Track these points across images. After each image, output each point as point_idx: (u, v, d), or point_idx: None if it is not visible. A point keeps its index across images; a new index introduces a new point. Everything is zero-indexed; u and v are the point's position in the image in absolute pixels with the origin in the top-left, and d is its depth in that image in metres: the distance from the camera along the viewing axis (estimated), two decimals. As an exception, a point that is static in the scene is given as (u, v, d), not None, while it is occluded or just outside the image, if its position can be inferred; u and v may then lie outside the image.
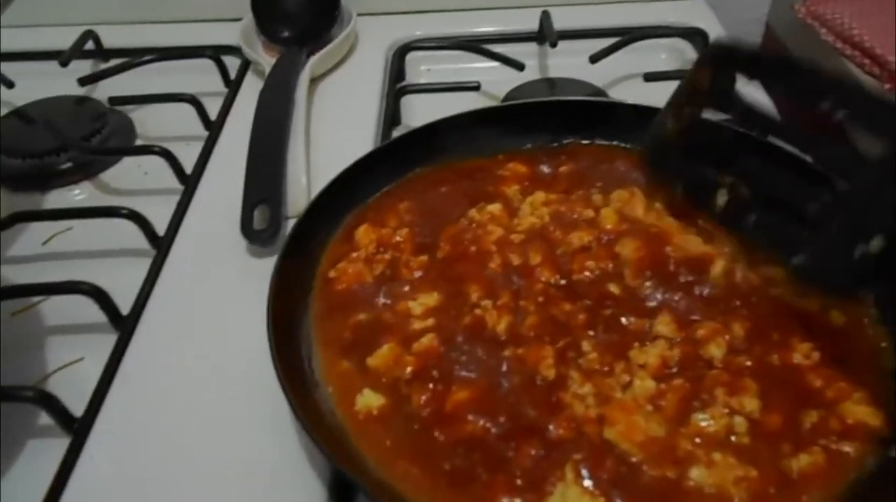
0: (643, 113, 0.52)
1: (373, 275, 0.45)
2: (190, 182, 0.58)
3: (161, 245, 0.52)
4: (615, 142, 0.55)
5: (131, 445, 0.40)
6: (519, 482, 0.34)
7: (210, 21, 0.80)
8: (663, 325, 0.40)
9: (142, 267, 0.51)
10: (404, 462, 0.36)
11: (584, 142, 0.56)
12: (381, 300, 0.44)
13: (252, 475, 0.39)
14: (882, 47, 0.65)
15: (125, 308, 0.48)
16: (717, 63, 0.44)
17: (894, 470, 0.33)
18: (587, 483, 0.34)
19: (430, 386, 0.38)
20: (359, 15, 0.75)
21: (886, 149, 0.34)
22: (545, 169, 0.53)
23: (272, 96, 0.59)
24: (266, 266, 0.50)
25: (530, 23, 0.75)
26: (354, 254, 0.47)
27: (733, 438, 0.35)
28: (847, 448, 0.35)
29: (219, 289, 0.49)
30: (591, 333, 0.40)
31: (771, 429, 0.36)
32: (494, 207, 0.49)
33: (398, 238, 0.47)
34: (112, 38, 0.77)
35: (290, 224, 0.53)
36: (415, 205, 0.50)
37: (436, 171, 0.53)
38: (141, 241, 0.53)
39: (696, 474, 0.34)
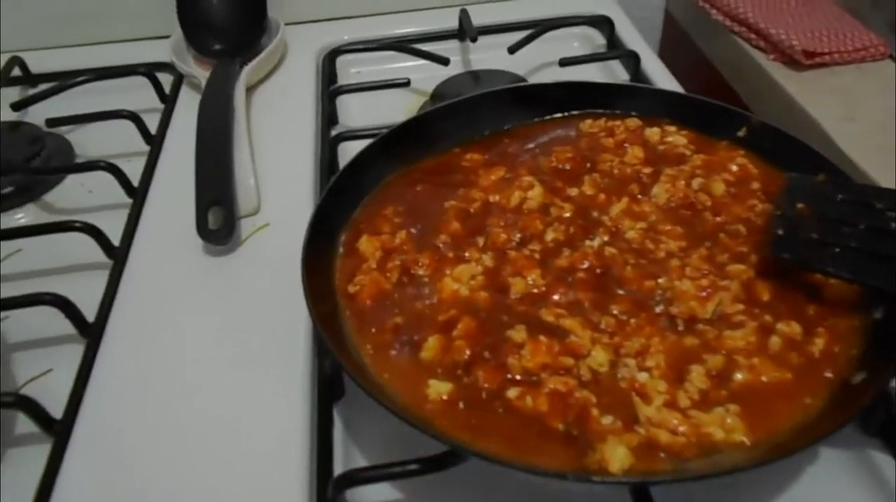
0: (568, 88, 0.60)
1: (391, 283, 0.47)
2: (138, 194, 0.59)
3: (117, 255, 0.54)
4: (549, 117, 0.60)
5: (112, 444, 0.42)
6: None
7: (138, 40, 0.81)
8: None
9: (99, 279, 0.52)
10: (494, 436, 0.38)
11: (528, 122, 0.60)
12: (409, 300, 0.46)
13: (236, 466, 0.41)
14: (765, 22, 0.73)
15: (89, 317, 0.49)
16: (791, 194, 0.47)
17: (876, 330, 0.41)
18: None
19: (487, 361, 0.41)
20: (286, 24, 0.78)
21: None
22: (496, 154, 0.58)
23: (212, 105, 0.61)
24: (222, 264, 0.53)
25: (450, 21, 0.79)
26: (365, 265, 0.48)
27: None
28: (841, 323, 0.42)
29: (180, 290, 0.51)
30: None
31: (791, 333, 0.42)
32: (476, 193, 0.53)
33: (398, 241, 0.49)
34: (40, 63, 0.77)
35: (243, 223, 0.56)
36: (399, 208, 0.52)
37: (403, 176, 0.56)
38: (95, 254, 0.54)
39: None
